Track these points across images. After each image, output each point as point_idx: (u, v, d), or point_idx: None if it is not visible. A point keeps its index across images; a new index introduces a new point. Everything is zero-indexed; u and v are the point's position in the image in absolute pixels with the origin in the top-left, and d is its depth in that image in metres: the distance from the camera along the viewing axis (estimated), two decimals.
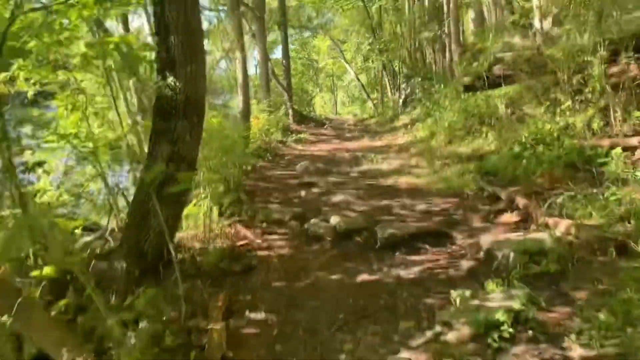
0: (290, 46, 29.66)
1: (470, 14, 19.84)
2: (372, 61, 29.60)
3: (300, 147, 13.80)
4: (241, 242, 5.90)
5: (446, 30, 16.96)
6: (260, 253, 5.64)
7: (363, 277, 4.91)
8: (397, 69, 29.74)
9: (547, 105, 9.31)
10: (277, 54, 28.32)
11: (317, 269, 5.15)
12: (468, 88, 13.69)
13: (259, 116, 14.53)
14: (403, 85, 21.66)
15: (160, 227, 3.81)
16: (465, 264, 5.04)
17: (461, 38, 18.19)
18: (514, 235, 5.30)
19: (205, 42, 14.22)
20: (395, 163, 10.43)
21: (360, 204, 7.11)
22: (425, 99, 18.17)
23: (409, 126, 16.32)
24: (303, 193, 7.83)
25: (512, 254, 4.71)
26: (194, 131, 3.98)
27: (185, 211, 6.16)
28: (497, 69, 13.51)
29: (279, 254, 5.62)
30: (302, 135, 16.43)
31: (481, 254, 5.13)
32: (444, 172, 8.96)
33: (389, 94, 27.88)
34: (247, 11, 18.25)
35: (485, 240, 5.29)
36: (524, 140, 8.56)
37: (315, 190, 8.09)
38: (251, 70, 24.66)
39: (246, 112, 12.25)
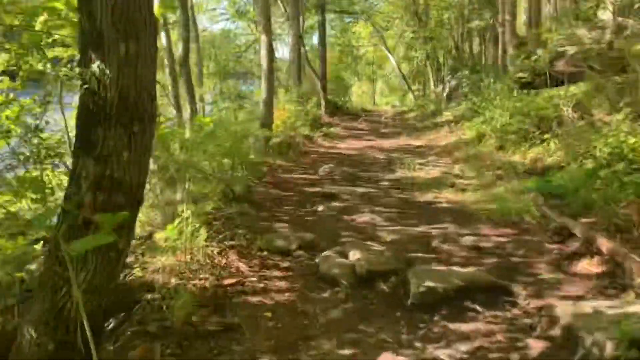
0: (330, 32, 28.07)
1: (523, 3, 17.82)
2: (416, 50, 27.73)
3: (328, 143, 12.31)
4: (230, 281, 4.48)
5: (500, 19, 15.08)
6: (252, 299, 4.20)
7: (386, 356, 3.42)
8: (441, 59, 27.86)
9: (628, 111, 7.53)
10: (315, 39, 26.84)
11: (323, 335, 3.69)
12: (524, 85, 11.91)
13: (286, 107, 13.10)
14: (448, 78, 19.84)
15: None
16: (535, 345, 3.47)
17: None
18: (605, 304, 3.70)
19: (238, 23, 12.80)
20: (435, 170, 8.82)
21: (390, 229, 5.58)
22: (472, 94, 16.36)
23: (454, 124, 14.59)
24: (321, 208, 6.35)
25: (608, 344, 3.14)
26: (135, 145, 2.58)
27: (163, 234, 4.82)
28: (560, 65, 11.66)
29: (275, 302, 4.17)
30: (332, 129, 14.94)
31: (557, 330, 3.56)
32: (495, 188, 7.32)
33: (432, 86, 26.01)
34: None
35: (563, 309, 3.70)
36: (598, 154, 6.84)
37: (336, 204, 6.60)
38: (285, 55, 23.20)
39: (269, 103, 10.82)
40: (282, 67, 21.48)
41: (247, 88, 19.85)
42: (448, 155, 10.62)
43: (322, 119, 17.25)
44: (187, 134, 6.80)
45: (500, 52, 15.17)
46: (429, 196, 7.15)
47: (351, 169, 9.22)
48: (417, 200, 6.94)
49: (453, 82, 19.33)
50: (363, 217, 5.91)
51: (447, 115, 17.55)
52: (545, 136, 8.69)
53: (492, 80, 16.19)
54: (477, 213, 6.28)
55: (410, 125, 17.73)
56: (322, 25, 19.61)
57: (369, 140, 13.80)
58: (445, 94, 19.52)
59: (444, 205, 6.72)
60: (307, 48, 25.56)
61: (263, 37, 10.77)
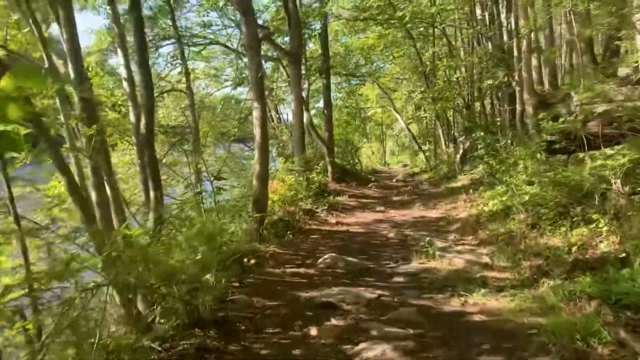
0: (336, 94, 27.12)
1: (533, 61, 16.55)
2: (425, 110, 26.56)
3: (333, 219, 10.71)
4: None
5: (516, 77, 13.74)
6: None
7: None
8: (451, 119, 26.60)
9: None
10: (321, 103, 25.88)
11: None
12: (554, 150, 10.37)
13: (286, 179, 11.63)
14: (461, 139, 18.39)
15: None
16: None
17: None
18: None
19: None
20: (460, 258, 7.12)
21: None
22: (488, 157, 14.84)
23: (471, 191, 12.98)
24: (314, 332, 4.66)
25: None
26: None
27: None
28: (594, 126, 10.15)
29: None
30: (339, 199, 13.38)
31: None
32: (539, 288, 5.61)
33: (443, 146, 24.61)
34: (282, 56, 15.72)
35: None
36: None
37: (334, 321, 4.92)
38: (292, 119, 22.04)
39: (263, 177, 9.34)
40: (287, 132, 20.26)
41: (251, 153, 18.59)
42: (472, 233, 8.94)
43: (329, 186, 15.75)
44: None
45: (518, 111, 13.72)
46: (455, 302, 5.44)
47: (357, 257, 7.57)
48: (441, 311, 5.22)
49: (467, 144, 17.86)
50: (371, 352, 4.20)
51: (463, 179, 15.98)
52: (593, 215, 7.01)
53: (508, 141, 14.74)
54: (523, 333, 4.55)
55: (425, 191, 16.13)
56: (327, 88, 18.46)
57: (380, 211, 12.18)
58: (458, 156, 18.01)
59: (477, 318, 5.00)
60: (312, 112, 24.55)
61: (255, 105, 9.44)
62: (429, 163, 24.76)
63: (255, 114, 9.49)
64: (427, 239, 8.50)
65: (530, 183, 9.76)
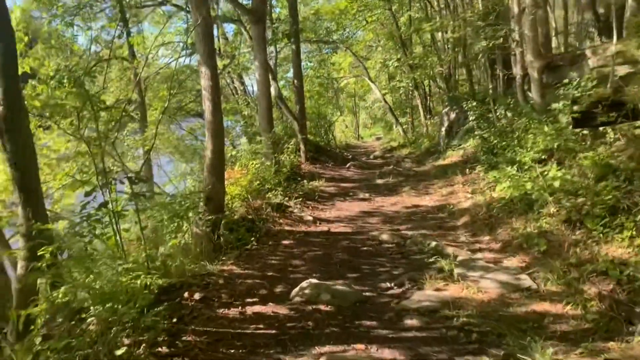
0: (306, 64, 24.57)
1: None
2: (402, 80, 24.32)
3: (309, 214, 8.44)
4: None
5: (516, 37, 11.57)
6: None
7: None
8: (428, 89, 24.43)
9: None
10: (290, 73, 23.39)
11: None
12: (581, 121, 8.30)
13: (249, 164, 9.28)
14: (445, 110, 16.25)
15: None
16: None
17: None
18: None
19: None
20: (490, 281, 4.98)
21: None
22: (483, 131, 12.78)
23: (468, 171, 10.93)
24: None
25: None
26: None
27: None
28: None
29: None
30: (315, 184, 11.13)
31: None
32: (626, 339, 3.56)
33: (422, 118, 22.52)
34: (242, 13, 13.16)
35: None
36: None
37: None
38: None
39: (217, 167, 7.00)
40: (253, 106, 17.77)
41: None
42: (487, 231, 6.86)
43: (302, 168, 13.47)
44: None
45: (518, 77, 11.60)
46: None
47: (346, 274, 5.41)
48: None
49: (452, 115, 15.77)
50: None
51: (452, 156, 13.93)
52: None
53: (503, 111, 12.71)
54: None
55: (410, 169, 14.01)
56: (296, 55, 15.94)
57: (364, 200, 10.01)
58: (443, 129, 15.92)
59: None
60: (281, 82, 22.02)
61: (203, 70, 7.01)
62: (407, 137, 22.66)
63: (204, 82, 7.07)
64: (433, 242, 6.37)
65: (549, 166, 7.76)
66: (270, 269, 5.75)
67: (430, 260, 5.85)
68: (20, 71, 7.44)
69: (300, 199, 9.12)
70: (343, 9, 22.86)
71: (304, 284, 4.84)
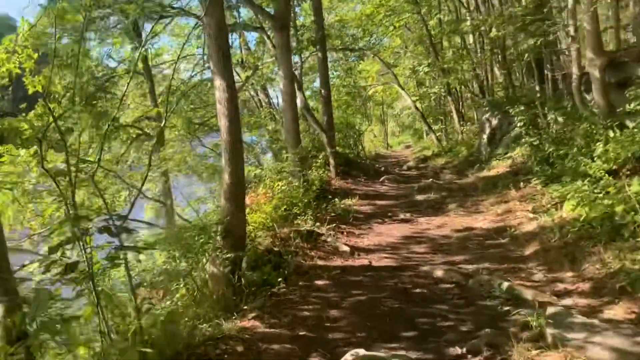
0: (333, 72, 23.40)
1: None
2: (433, 85, 22.95)
3: (344, 244, 7.16)
4: None
5: (571, 33, 10.11)
6: None
7: None
8: (460, 94, 22.91)
9: None
10: (317, 84, 22.26)
11: None
12: None
13: (275, 186, 8.09)
14: (486, 116, 14.80)
15: None
16: None
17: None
18: None
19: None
20: (598, 345, 3.64)
21: None
22: (533, 137, 11.34)
23: (522, 184, 9.50)
24: None
25: None
26: None
27: None
28: None
29: None
30: (348, 202, 9.88)
31: None
32: None
33: (456, 124, 21.05)
34: (264, 20, 12.09)
35: None
36: None
37: None
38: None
39: (236, 193, 5.83)
40: (278, 119, 16.65)
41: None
42: (567, 265, 5.44)
43: (332, 183, 12.25)
44: None
45: (574, 77, 10.13)
46: None
47: (401, 332, 4.14)
48: None
49: (494, 121, 14.32)
50: None
51: (497, 166, 12.48)
52: None
53: (555, 117, 11.25)
54: None
55: (450, 183, 12.60)
56: (323, 63, 14.81)
57: (405, 221, 8.69)
58: (485, 136, 14.47)
59: None
60: (307, 92, 20.89)
61: (217, 82, 5.87)
62: (441, 145, 21.21)
63: (218, 94, 5.93)
64: (504, 283, 5.02)
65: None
66: (302, 324, 4.49)
67: (506, 308, 4.52)
68: (31, 90, 6.46)
69: (333, 224, 7.86)
70: (369, 14, 21.64)
71: (348, 356, 3.56)
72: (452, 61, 19.17)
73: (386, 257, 6.54)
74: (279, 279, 5.58)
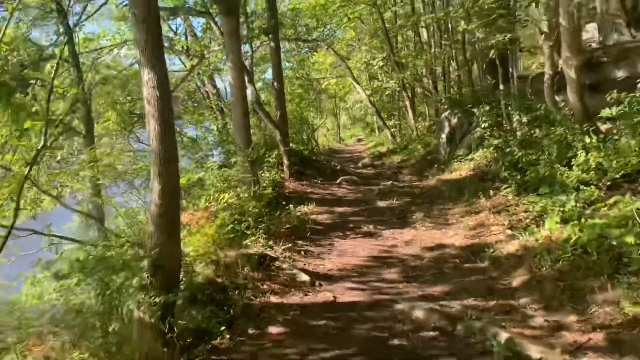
0: (285, 64, 22.03)
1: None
2: (386, 80, 22.04)
3: (302, 266, 5.99)
4: None
5: (544, 29, 9.30)
6: None
7: None
8: (414, 89, 22.10)
9: None
10: (269, 75, 20.85)
11: None
12: None
13: (220, 198, 6.77)
14: (445, 114, 13.96)
15: None
16: None
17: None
18: None
19: None
20: None
21: None
22: (499, 139, 10.59)
23: (492, 192, 8.61)
24: None
25: None
26: None
27: None
28: None
29: None
30: (304, 210, 8.72)
31: None
32: None
33: (411, 121, 20.24)
34: (210, 3, 10.64)
35: None
36: None
37: None
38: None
39: (168, 215, 4.51)
40: (228, 113, 15.20)
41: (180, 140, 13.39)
42: (570, 306, 4.51)
43: (286, 186, 11.04)
44: None
45: (547, 77, 9.35)
46: None
47: None
48: None
49: (454, 120, 13.50)
50: None
51: (460, 168, 11.64)
52: None
53: (518, 116, 10.52)
54: None
55: (411, 185, 11.66)
56: (276, 53, 13.49)
57: (370, 235, 7.62)
58: (444, 135, 13.64)
59: None
60: (258, 84, 19.48)
61: (145, 74, 4.51)
62: (396, 141, 20.39)
63: (147, 91, 4.58)
64: (502, 334, 4.01)
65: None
66: None
67: None
68: None
69: (288, 241, 6.66)
70: (323, 4, 20.39)
71: None
72: (409, 56, 18.26)
73: (352, 288, 5.42)
74: (222, 328, 4.34)
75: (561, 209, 6.54)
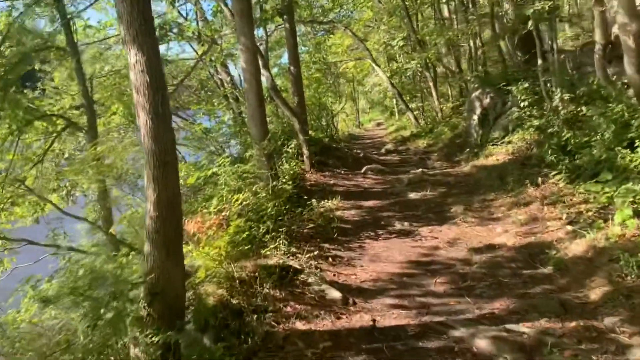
0: (301, 48, 20.93)
1: None
2: (408, 60, 20.77)
3: (331, 279, 5.03)
4: None
5: None
6: None
7: None
8: (436, 69, 20.74)
9: None
10: (285, 59, 19.86)
11: None
12: None
13: (233, 200, 5.83)
14: (476, 94, 12.75)
15: None
16: None
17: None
18: None
19: None
20: None
21: None
22: (540, 120, 9.44)
23: (540, 180, 7.51)
24: None
25: None
26: None
27: None
28: None
29: None
30: (329, 205, 7.77)
31: None
32: None
33: (436, 103, 19.00)
34: None
35: None
36: None
37: None
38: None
39: (165, 230, 3.59)
40: (243, 101, 14.21)
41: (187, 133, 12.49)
42: None
43: (307, 178, 10.09)
44: None
45: (598, 48, 8.15)
46: None
47: None
48: None
49: (486, 100, 12.31)
50: None
51: (496, 152, 10.51)
52: None
53: (560, 93, 9.34)
54: None
55: (443, 172, 10.59)
56: (291, 35, 12.47)
57: (404, 233, 6.62)
58: (475, 117, 12.46)
59: None
60: (274, 70, 18.48)
61: (133, 56, 3.57)
62: (420, 125, 19.21)
63: (134, 77, 3.64)
64: None
65: None
66: None
67: None
68: None
69: (313, 246, 5.72)
70: None
71: None
72: (433, 33, 16.99)
73: (393, 306, 4.45)
74: None
75: (633, 199, 5.47)
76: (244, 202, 5.70)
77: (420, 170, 10.67)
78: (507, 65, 13.39)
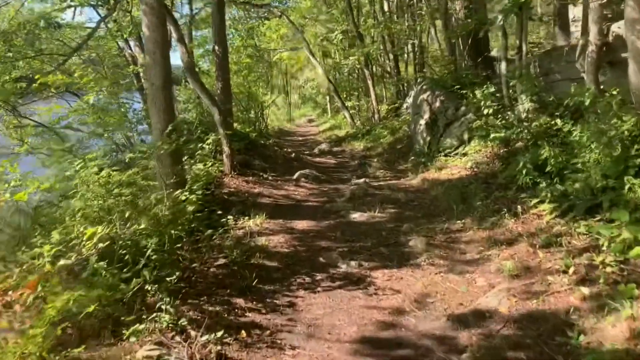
0: (232, 32, 18.34)
1: None
2: (346, 56, 18.91)
3: None
4: None
5: None
6: None
7: None
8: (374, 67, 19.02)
9: None
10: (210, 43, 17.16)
11: None
12: None
13: (92, 232, 3.40)
14: (424, 96, 11.01)
15: None
16: None
17: None
18: None
19: None
20: None
21: None
22: (506, 131, 7.81)
23: (519, 209, 5.76)
24: None
25: None
26: None
27: None
28: None
29: None
30: (249, 225, 5.57)
31: None
32: None
33: (374, 102, 17.21)
34: None
35: None
36: None
37: None
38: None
39: None
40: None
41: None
42: None
43: (225, 184, 7.78)
44: None
45: (591, 48, 6.55)
46: None
47: None
48: None
49: (436, 104, 10.61)
50: None
51: (452, 164, 8.80)
52: None
53: (527, 100, 7.81)
54: None
55: (389, 184, 8.67)
56: (218, 11, 10.06)
57: (352, 281, 4.55)
58: (423, 122, 10.73)
59: None
60: (199, 51, 15.88)
61: None
62: (356, 125, 17.38)
63: None
64: None
65: None
66: None
67: None
68: None
69: (219, 310, 3.49)
70: None
71: None
72: (378, 26, 15.15)
73: None
74: None
75: None
76: (104, 239, 3.30)
77: (362, 180, 8.71)
78: (458, 67, 11.79)
